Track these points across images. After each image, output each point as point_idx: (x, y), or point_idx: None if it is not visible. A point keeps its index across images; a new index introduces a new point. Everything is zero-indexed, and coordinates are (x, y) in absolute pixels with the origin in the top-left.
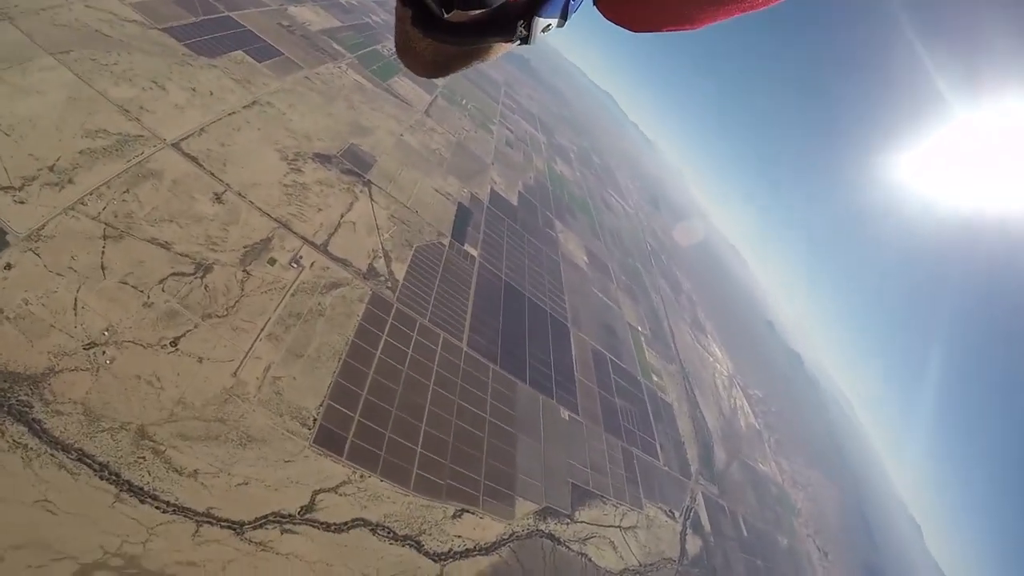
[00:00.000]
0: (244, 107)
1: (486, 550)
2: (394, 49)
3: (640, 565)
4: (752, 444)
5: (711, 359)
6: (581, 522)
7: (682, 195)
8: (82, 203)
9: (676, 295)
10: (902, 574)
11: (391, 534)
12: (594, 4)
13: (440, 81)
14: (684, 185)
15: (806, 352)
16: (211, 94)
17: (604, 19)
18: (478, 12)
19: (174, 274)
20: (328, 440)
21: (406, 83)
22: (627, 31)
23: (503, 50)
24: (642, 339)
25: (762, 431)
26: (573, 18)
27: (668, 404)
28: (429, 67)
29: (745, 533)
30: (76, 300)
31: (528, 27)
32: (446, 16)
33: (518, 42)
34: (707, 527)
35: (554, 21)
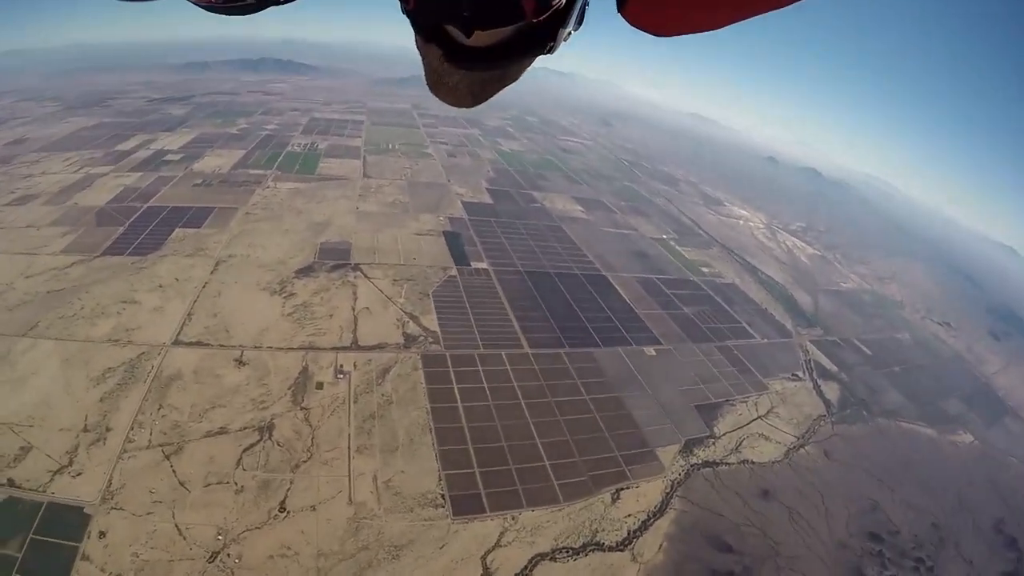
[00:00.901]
0: (211, 273)
1: (659, 512)
2: (427, 87)
3: (798, 438)
4: (823, 271)
5: (741, 222)
6: (724, 434)
7: (624, 101)
8: (129, 441)
9: (675, 188)
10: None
11: (570, 551)
12: (618, 11)
13: (360, 142)
14: (621, 91)
15: (818, 162)
16: (177, 281)
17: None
18: (499, 31)
19: (245, 450)
20: (465, 506)
21: (332, 163)
22: (650, 36)
23: (529, 65)
24: (672, 244)
25: (824, 254)
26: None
27: (731, 284)
28: (466, 98)
29: (868, 352)
30: (177, 525)
31: (554, 38)
32: (468, 40)
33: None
34: (833, 368)
35: (573, 28)
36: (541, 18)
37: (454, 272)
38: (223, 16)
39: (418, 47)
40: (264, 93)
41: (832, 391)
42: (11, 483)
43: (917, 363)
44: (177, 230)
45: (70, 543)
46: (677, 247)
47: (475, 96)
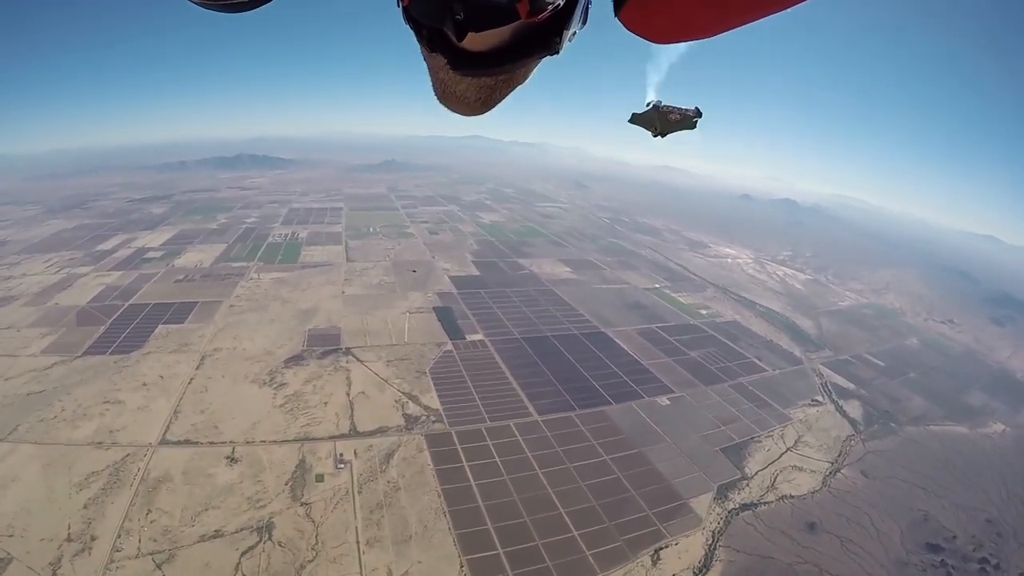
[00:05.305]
0: (197, 368)
1: (704, 568)
2: (436, 99)
3: (832, 463)
4: (819, 294)
5: (729, 260)
6: (756, 473)
7: (594, 163)
8: (117, 550)
9: (658, 237)
10: (1015, 281)
11: None
12: (615, 16)
13: (341, 228)
14: (589, 154)
15: (790, 192)
16: (162, 378)
17: (625, 30)
18: (497, 33)
19: (244, 554)
20: None
21: (314, 250)
22: (649, 42)
23: (535, 67)
24: (666, 291)
25: (816, 277)
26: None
27: (732, 322)
28: (476, 105)
29: (881, 363)
30: None
31: (560, 37)
32: (464, 44)
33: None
34: (850, 386)
35: (577, 27)
36: (539, 18)
37: (449, 347)
38: (218, 13)
39: (424, 59)
40: (242, 188)
41: (855, 409)
42: None
43: (931, 365)
44: (160, 326)
45: None
46: (671, 293)
47: (484, 102)
